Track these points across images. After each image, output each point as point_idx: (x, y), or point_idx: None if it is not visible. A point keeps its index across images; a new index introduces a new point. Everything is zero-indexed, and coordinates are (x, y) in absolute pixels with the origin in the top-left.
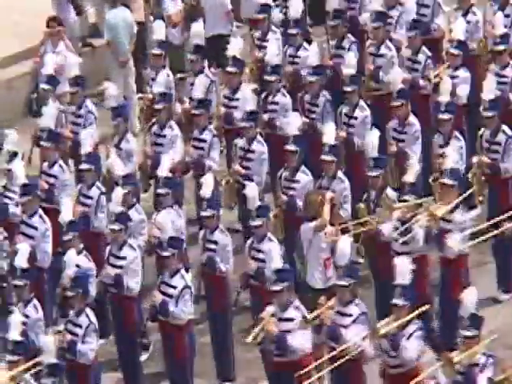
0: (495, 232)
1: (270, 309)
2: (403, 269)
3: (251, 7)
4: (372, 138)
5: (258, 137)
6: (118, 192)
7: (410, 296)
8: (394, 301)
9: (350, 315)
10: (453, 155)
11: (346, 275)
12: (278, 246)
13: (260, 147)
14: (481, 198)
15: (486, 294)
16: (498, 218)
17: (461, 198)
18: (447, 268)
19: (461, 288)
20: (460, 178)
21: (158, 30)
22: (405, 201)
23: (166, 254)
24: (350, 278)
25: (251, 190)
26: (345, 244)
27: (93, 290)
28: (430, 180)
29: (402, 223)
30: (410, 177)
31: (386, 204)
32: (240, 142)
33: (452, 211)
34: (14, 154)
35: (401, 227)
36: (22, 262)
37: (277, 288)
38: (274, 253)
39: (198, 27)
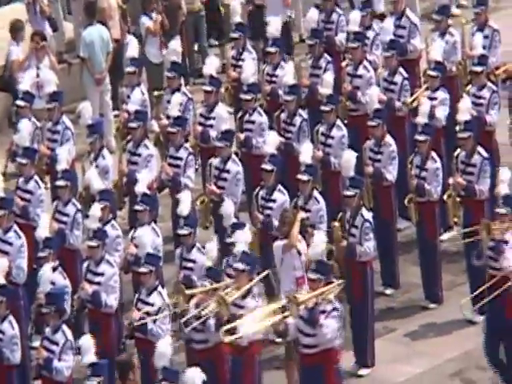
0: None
1: None
2: None
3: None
4: (348, 157)
5: (233, 156)
6: (96, 208)
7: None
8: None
9: (323, 311)
10: None
11: (316, 270)
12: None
13: (235, 167)
14: (456, 220)
15: (459, 316)
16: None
17: (252, 283)
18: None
19: None
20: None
21: (132, 48)
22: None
23: (143, 270)
24: (320, 274)
25: (227, 208)
26: (319, 239)
27: (68, 307)
28: (406, 201)
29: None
30: None
31: (179, 289)
32: (215, 161)
33: (244, 296)
34: None
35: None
36: None
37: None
38: None
39: (175, 44)
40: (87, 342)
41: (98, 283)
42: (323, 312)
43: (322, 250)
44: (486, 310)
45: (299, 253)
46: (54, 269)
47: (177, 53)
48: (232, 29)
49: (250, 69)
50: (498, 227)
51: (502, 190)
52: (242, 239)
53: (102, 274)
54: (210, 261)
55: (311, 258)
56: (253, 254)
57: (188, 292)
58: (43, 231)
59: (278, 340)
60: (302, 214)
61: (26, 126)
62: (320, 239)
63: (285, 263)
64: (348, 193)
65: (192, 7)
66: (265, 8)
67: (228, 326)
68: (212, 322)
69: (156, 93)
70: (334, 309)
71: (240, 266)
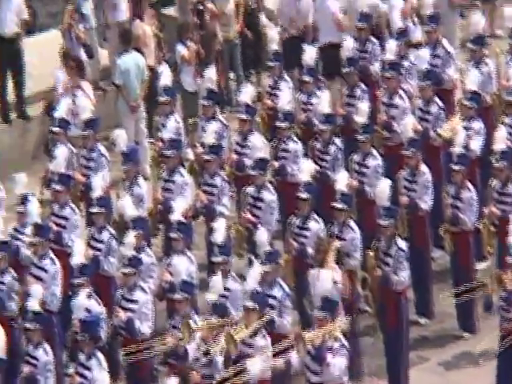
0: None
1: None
2: None
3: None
4: (383, 187)
5: (268, 185)
6: (131, 236)
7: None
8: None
9: (331, 348)
10: None
11: (323, 308)
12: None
13: (269, 195)
14: (490, 250)
15: (493, 345)
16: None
17: (260, 321)
18: None
19: None
20: None
21: (165, 77)
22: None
23: (178, 297)
24: (326, 312)
25: (261, 235)
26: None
27: (103, 334)
28: (440, 230)
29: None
30: None
31: (185, 324)
32: (250, 189)
33: (253, 335)
34: (26, 197)
35: (203, 348)
36: (34, 304)
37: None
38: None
39: (210, 73)
40: None
41: (132, 310)
42: (330, 349)
43: (329, 287)
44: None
45: (334, 281)
46: (89, 296)
47: (212, 81)
48: (269, 57)
49: (285, 97)
50: (510, 278)
51: None
52: (253, 275)
53: (135, 301)
54: (214, 295)
55: (318, 294)
56: (262, 292)
57: (194, 327)
58: (78, 258)
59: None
60: (336, 243)
61: (61, 152)
62: (326, 276)
63: (319, 292)
64: (382, 222)
65: (227, 35)
66: (298, 37)
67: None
68: (219, 359)
69: (191, 120)
70: (342, 346)
71: (250, 304)
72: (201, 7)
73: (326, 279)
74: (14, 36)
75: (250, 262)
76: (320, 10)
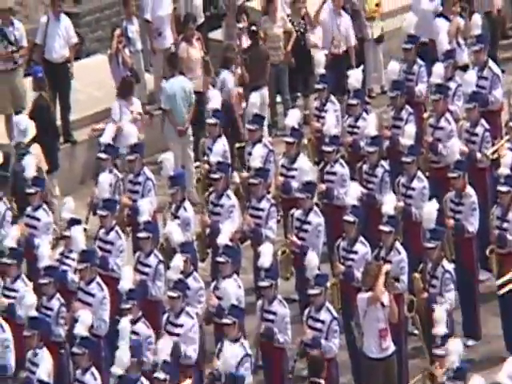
0: None
1: None
2: None
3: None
4: (430, 209)
5: (315, 208)
6: (178, 259)
7: None
8: None
9: (323, 322)
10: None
11: (316, 284)
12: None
13: (316, 219)
14: None
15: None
16: None
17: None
18: None
19: None
20: None
21: (214, 99)
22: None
23: (227, 321)
24: (319, 287)
25: (311, 259)
26: (312, 257)
27: (151, 358)
28: (487, 252)
29: None
30: None
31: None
32: (297, 212)
33: None
34: (73, 221)
35: None
36: (82, 330)
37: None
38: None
39: (255, 97)
40: None
41: (178, 334)
42: None
43: (315, 266)
44: None
45: (383, 305)
46: (137, 319)
47: (257, 106)
48: (316, 80)
49: (332, 120)
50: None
51: None
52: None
53: (181, 326)
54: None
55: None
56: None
57: None
58: (127, 283)
59: None
60: (387, 267)
61: (106, 178)
62: (312, 256)
63: (368, 315)
64: (429, 244)
65: (274, 59)
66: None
67: None
68: None
69: (237, 145)
70: None
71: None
72: (253, 28)
73: (312, 259)
74: (63, 60)
75: None
76: None
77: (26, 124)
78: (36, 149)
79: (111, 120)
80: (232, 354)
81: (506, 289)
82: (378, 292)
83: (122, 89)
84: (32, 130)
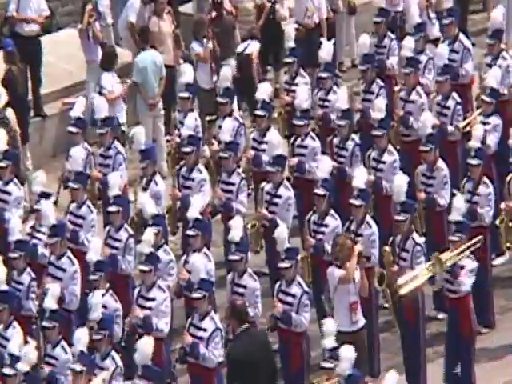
0: None
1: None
2: None
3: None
4: (400, 182)
5: (285, 182)
6: (149, 233)
7: None
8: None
9: (294, 295)
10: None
11: (286, 258)
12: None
13: (286, 192)
14: (508, 245)
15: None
16: None
17: None
18: None
19: None
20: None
21: (186, 73)
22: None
23: (196, 295)
24: (289, 260)
25: (281, 232)
26: (282, 230)
27: (119, 331)
28: None
29: None
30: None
31: None
32: (267, 186)
33: None
34: (43, 195)
35: None
36: (51, 303)
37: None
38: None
39: (226, 70)
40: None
41: (150, 308)
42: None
43: (285, 239)
44: None
45: (354, 280)
46: (105, 292)
47: (228, 79)
48: (285, 53)
49: (303, 94)
50: None
51: None
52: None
53: (153, 299)
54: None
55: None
56: None
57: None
58: (94, 255)
59: None
60: (359, 248)
61: (78, 151)
62: (281, 229)
63: (339, 289)
64: (399, 217)
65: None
66: (316, 33)
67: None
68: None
69: (208, 118)
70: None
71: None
72: (218, 1)
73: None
74: (34, 34)
75: None
76: None
77: None
78: (11, 114)
79: (86, 94)
80: None
81: (406, 289)
82: (349, 273)
83: (105, 60)
84: (4, 96)
